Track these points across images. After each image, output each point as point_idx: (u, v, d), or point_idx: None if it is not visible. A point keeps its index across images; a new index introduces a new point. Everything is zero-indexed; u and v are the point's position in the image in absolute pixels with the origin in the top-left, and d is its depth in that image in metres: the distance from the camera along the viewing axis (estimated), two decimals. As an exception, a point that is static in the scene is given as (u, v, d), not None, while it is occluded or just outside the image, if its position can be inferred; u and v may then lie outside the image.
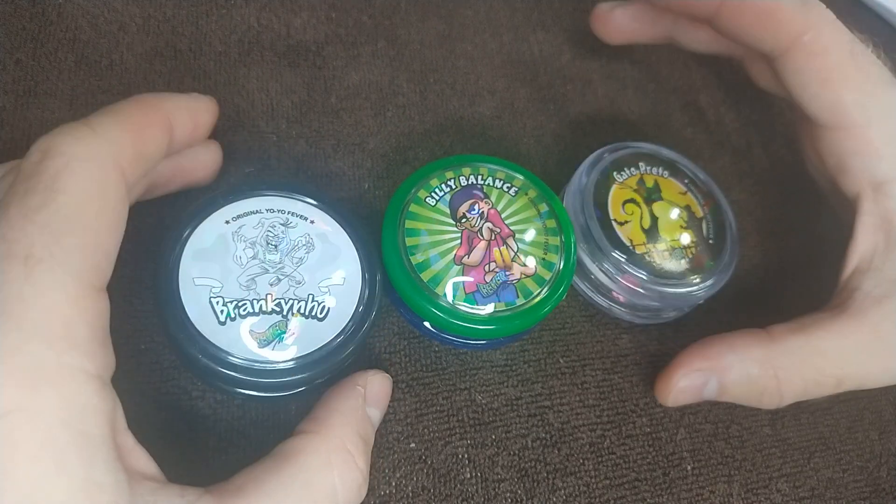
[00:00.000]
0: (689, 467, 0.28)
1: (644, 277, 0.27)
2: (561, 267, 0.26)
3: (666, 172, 0.31)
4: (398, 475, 0.25)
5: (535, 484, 0.26)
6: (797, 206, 0.36)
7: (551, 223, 0.27)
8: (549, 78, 0.36)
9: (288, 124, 0.31)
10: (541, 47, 0.37)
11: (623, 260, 0.28)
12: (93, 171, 0.17)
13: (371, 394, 0.23)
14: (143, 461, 0.18)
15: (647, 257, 0.28)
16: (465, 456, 0.26)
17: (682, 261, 0.28)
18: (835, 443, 0.30)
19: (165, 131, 0.21)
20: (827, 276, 0.32)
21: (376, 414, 0.24)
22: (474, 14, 0.37)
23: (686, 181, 0.31)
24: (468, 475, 0.26)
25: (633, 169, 0.30)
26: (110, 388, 0.17)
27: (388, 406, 0.25)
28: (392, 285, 0.26)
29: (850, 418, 0.31)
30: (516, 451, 0.27)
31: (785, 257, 0.34)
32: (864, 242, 0.27)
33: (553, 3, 0.39)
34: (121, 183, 0.18)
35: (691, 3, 0.28)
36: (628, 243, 0.28)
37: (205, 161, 0.26)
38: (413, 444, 0.26)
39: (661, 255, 0.28)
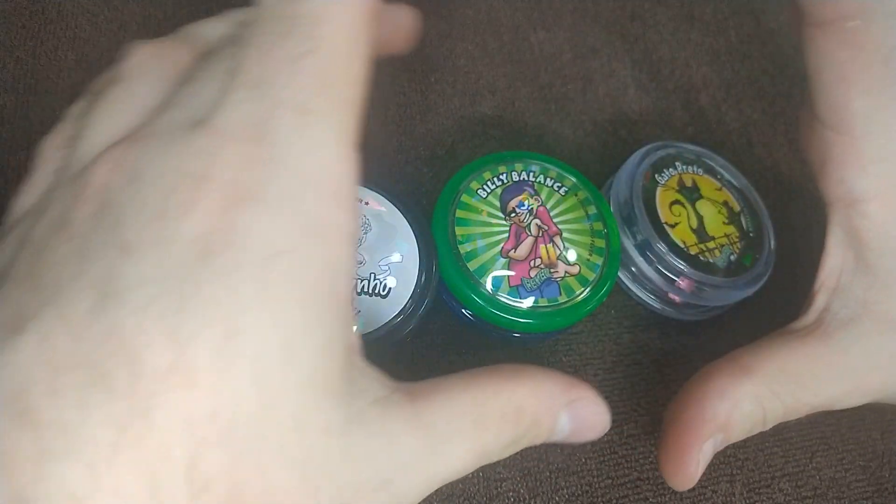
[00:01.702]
0: (691, 467, 0.28)
1: (702, 278, 0.28)
2: (605, 269, 0.27)
3: (700, 170, 0.31)
4: (400, 474, 0.25)
5: (538, 483, 0.26)
6: (797, 207, 0.36)
7: (598, 225, 0.28)
8: (549, 77, 0.36)
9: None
10: (541, 46, 0.37)
11: (681, 264, 0.28)
12: (349, 17, 0.16)
13: (578, 408, 0.21)
14: (354, 334, 0.18)
15: (701, 258, 0.28)
16: (467, 455, 0.26)
17: (732, 256, 0.29)
18: (837, 442, 0.30)
19: None
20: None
21: (565, 424, 0.21)
22: (475, 13, 0.37)
23: (718, 177, 0.31)
24: (470, 474, 0.26)
25: (671, 170, 0.30)
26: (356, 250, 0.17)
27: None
28: (438, 270, 0.26)
29: (851, 418, 0.31)
30: (518, 451, 0.27)
31: (785, 257, 0.34)
32: (835, 257, 0.25)
33: (553, 3, 0.39)
34: (368, 32, 0.17)
35: None
36: (682, 245, 0.28)
37: (406, 24, 0.24)
38: (415, 444, 0.26)
39: (713, 254, 0.28)
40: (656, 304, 0.30)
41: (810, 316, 0.25)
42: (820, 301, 0.25)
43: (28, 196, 0.19)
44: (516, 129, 0.34)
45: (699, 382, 0.25)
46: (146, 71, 0.19)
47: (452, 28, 0.36)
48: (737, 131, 0.38)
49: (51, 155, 0.19)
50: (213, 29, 0.21)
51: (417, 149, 0.32)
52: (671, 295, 0.29)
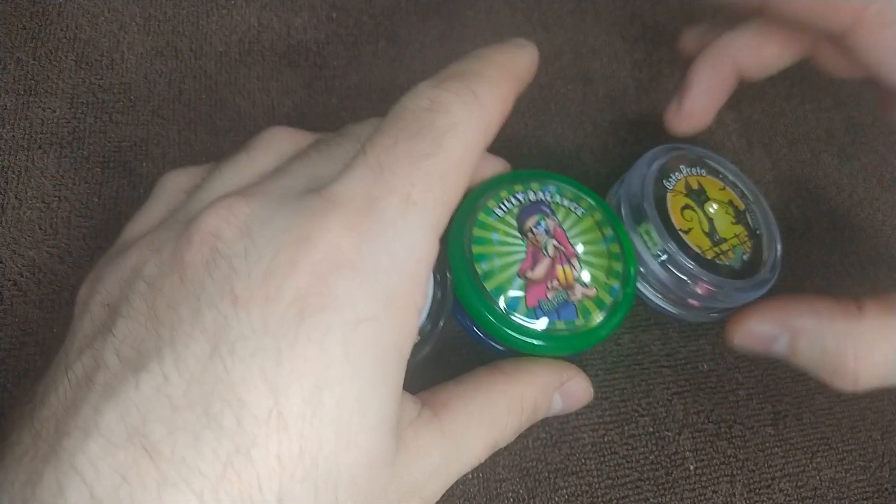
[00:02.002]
0: (691, 467, 0.28)
1: (721, 282, 0.27)
2: (622, 293, 0.26)
3: (704, 171, 0.30)
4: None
5: (537, 483, 0.26)
6: (797, 207, 0.36)
7: (615, 247, 0.27)
8: (549, 78, 0.36)
9: (288, 124, 0.31)
10: (541, 47, 0.37)
11: (698, 270, 0.27)
12: (471, 137, 0.19)
13: (568, 388, 0.24)
14: None
15: (717, 261, 0.28)
16: (467, 456, 0.26)
17: (745, 256, 0.28)
18: (837, 443, 0.30)
19: (517, 95, 0.22)
20: (831, 273, 0.32)
21: (558, 402, 0.24)
22: (475, 14, 0.37)
23: (720, 176, 0.31)
24: (470, 475, 0.26)
25: (677, 174, 0.30)
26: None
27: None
28: (454, 290, 0.25)
29: (852, 418, 0.31)
30: (517, 451, 0.27)
31: (786, 257, 0.34)
32: None
33: (553, 3, 0.39)
34: (483, 150, 0.20)
35: None
36: (698, 251, 0.28)
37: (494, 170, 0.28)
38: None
39: (727, 256, 0.28)
40: (675, 311, 0.29)
41: None
42: None
43: (141, 225, 0.21)
44: (516, 129, 0.34)
45: (816, 295, 0.24)
46: (274, 147, 0.22)
47: (453, 29, 0.36)
48: (737, 131, 0.38)
49: (171, 194, 0.22)
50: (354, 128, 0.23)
51: (417, 149, 0.32)
52: (690, 301, 0.28)
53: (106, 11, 0.31)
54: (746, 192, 0.31)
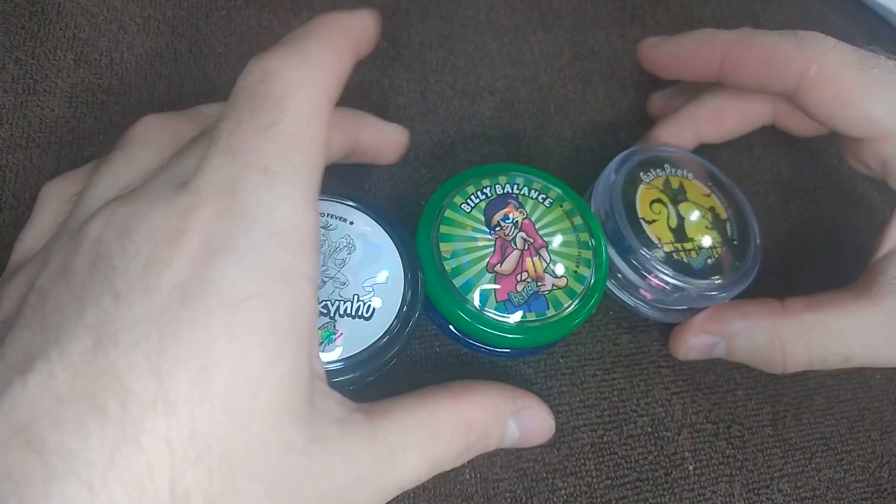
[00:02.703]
0: (690, 467, 0.28)
1: (672, 276, 0.27)
2: (593, 280, 0.26)
3: (690, 175, 0.31)
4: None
5: (535, 483, 0.26)
6: (797, 207, 0.36)
7: (584, 236, 0.27)
8: (549, 78, 0.36)
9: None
10: (541, 47, 0.37)
11: (652, 258, 0.28)
12: (311, 95, 0.19)
13: (524, 417, 0.23)
14: (318, 363, 0.20)
15: (675, 256, 0.28)
16: (466, 456, 0.26)
17: (709, 261, 0.28)
18: (836, 443, 0.30)
19: (354, 54, 0.22)
20: (831, 274, 0.32)
21: (514, 432, 0.23)
22: (474, 14, 0.37)
23: (709, 183, 0.31)
24: (468, 475, 0.26)
25: (658, 170, 0.30)
26: (317, 292, 0.19)
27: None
28: (424, 288, 0.26)
29: (851, 419, 0.31)
30: (515, 451, 0.27)
31: (786, 257, 0.34)
32: None
33: (553, 4, 0.39)
34: (330, 106, 0.20)
35: (690, 66, 0.30)
36: (657, 241, 0.28)
37: (397, 140, 0.29)
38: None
39: (689, 255, 0.28)
40: (630, 301, 0.30)
41: (866, 278, 0.27)
42: (878, 267, 0.27)
43: (30, 240, 0.22)
44: (515, 130, 0.34)
45: (742, 300, 0.28)
46: (149, 139, 0.22)
47: (452, 29, 0.36)
48: (736, 132, 0.38)
49: (54, 206, 0.22)
50: (216, 107, 0.24)
51: (416, 150, 0.32)
52: (642, 291, 0.29)
53: (105, 11, 0.31)
54: (740, 204, 0.31)
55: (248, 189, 0.17)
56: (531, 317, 0.25)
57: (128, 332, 0.16)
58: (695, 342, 0.28)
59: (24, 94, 0.28)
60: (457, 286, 0.25)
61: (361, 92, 0.33)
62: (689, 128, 0.32)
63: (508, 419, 0.23)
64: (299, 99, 0.18)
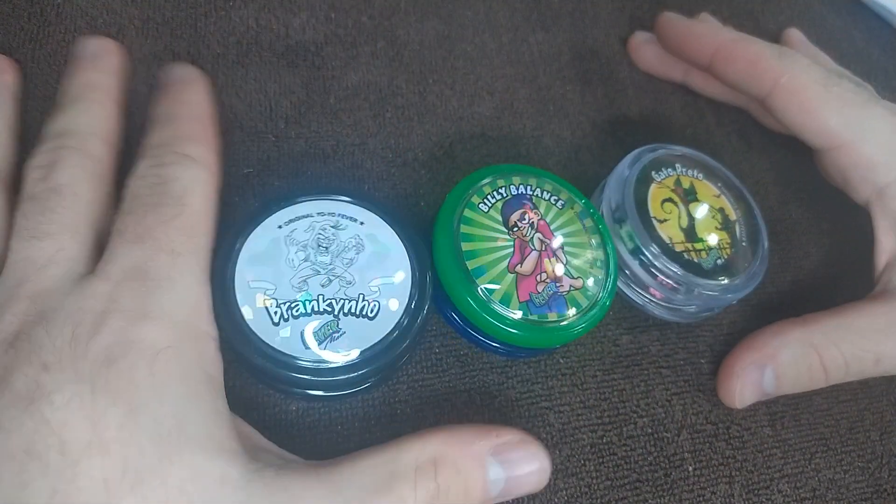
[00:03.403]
0: (690, 468, 0.28)
1: (682, 275, 0.28)
2: (606, 282, 0.27)
3: (701, 175, 0.31)
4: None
5: (536, 485, 0.26)
6: (797, 207, 0.36)
7: (596, 238, 0.28)
8: (548, 79, 0.36)
9: (287, 125, 0.31)
10: (540, 48, 0.37)
11: (663, 256, 0.28)
12: (204, 188, 0.23)
13: (509, 457, 0.21)
14: (242, 422, 0.23)
15: (685, 255, 0.28)
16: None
17: (718, 261, 0.29)
18: (836, 444, 0.30)
19: (216, 125, 0.25)
20: (831, 274, 0.32)
21: (498, 472, 0.21)
22: (474, 14, 0.37)
23: (719, 184, 0.31)
24: (468, 476, 0.26)
25: (669, 170, 0.30)
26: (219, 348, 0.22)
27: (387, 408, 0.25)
28: (445, 290, 0.26)
29: (850, 419, 0.31)
30: None
31: (786, 257, 0.34)
32: (888, 243, 0.30)
33: (553, 4, 0.39)
34: (217, 196, 0.24)
35: (690, 49, 0.33)
36: (668, 240, 0.28)
37: None
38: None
39: (699, 255, 0.28)
40: (638, 299, 0.30)
41: (876, 290, 0.29)
42: (883, 279, 0.30)
43: None
44: (515, 130, 0.34)
45: (765, 326, 0.29)
46: (67, 202, 0.23)
47: (451, 29, 0.36)
48: (736, 132, 0.38)
49: None
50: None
51: (415, 150, 0.32)
52: (652, 290, 0.29)
53: (104, 14, 0.31)
54: (749, 206, 0.31)
55: (157, 268, 0.20)
56: (553, 317, 0.25)
57: (61, 392, 0.18)
58: (745, 380, 0.28)
59: (23, 98, 0.28)
60: (479, 285, 0.25)
61: (360, 92, 0.33)
62: (677, 69, 0.37)
63: (486, 457, 0.21)
64: (196, 194, 0.22)
